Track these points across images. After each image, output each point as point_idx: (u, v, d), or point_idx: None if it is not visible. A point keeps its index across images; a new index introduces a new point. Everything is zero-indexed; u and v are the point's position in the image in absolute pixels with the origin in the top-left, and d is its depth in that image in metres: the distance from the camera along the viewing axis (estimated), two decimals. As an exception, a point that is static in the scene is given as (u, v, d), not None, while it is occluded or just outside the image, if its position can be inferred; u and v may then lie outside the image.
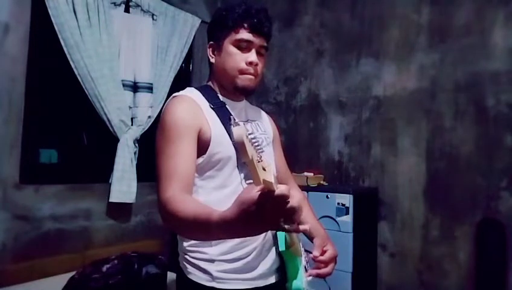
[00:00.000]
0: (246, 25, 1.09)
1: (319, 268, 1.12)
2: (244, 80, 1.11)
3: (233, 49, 1.10)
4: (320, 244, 1.14)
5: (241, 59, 1.10)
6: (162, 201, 0.93)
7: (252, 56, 1.10)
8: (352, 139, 2.78)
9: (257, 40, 1.11)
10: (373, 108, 2.69)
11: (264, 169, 0.65)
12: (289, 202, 0.63)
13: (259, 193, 0.62)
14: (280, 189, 0.61)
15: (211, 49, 1.17)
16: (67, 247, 2.32)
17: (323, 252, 1.13)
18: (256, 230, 0.69)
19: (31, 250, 2.15)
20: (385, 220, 2.58)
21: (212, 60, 1.16)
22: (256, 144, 0.67)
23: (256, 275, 1.07)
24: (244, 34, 1.09)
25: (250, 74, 1.10)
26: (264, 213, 0.63)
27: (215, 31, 1.15)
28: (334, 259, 1.15)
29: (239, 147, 0.66)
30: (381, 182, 2.62)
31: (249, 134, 0.67)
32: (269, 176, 0.63)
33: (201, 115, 1.07)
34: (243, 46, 1.10)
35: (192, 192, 1.03)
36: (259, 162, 0.65)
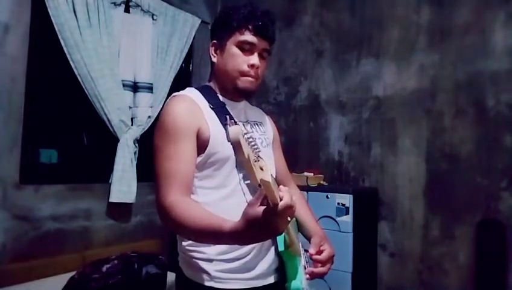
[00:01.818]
0: (250, 27, 1.08)
1: (315, 267, 1.12)
2: (244, 82, 1.10)
3: (235, 50, 1.09)
4: (317, 243, 1.14)
5: (243, 61, 1.09)
6: (164, 205, 0.95)
7: (254, 59, 1.09)
8: (352, 139, 2.78)
9: (260, 43, 1.10)
10: (373, 108, 2.69)
11: (261, 168, 0.65)
12: (293, 207, 0.68)
13: (264, 208, 0.65)
14: (283, 203, 0.64)
15: (213, 48, 1.16)
16: (67, 247, 2.32)
17: (320, 252, 1.12)
18: (267, 237, 0.76)
19: (31, 250, 2.15)
20: (385, 220, 2.58)
21: (214, 59, 1.15)
22: (253, 143, 0.68)
23: (254, 275, 1.07)
24: (248, 36, 1.08)
25: (251, 76, 1.10)
26: (272, 223, 0.69)
27: (219, 31, 1.14)
28: (331, 259, 1.14)
29: (235, 146, 0.66)
30: (381, 182, 2.62)
31: (245, 133, 0.67)
32: (267, 175, 0.63)
33: (200, 115, 1.06)
34: (246, 48, 1.09)
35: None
36: (256, 161, 0.65)
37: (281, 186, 0.73)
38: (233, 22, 1.09)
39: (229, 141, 0.66)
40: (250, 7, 1.10)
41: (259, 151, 0.68)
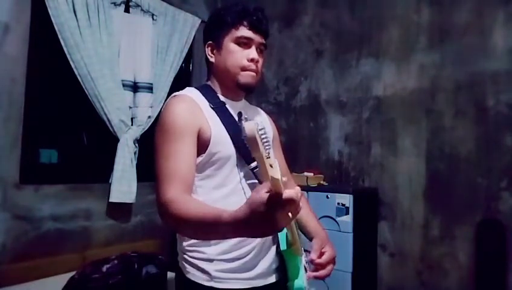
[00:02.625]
0: (245, 23, 1.10)
1: (316, 270, 1.12)
2: (246, 77, 1.11)
3: (234, 47, 1.11)
4: (319, 247, 1.14)
5: (242, 56, 1.10)
6: (163, 202, 0.94)
7: (253, 53, 1.11)
8: (352, 139, 2.78)
9: (257, 37, 1.12)
10: (373, 108, 2.69)
11: (271, 166, 0.65)
12: (297, 203, 0.66)
13: (268, 194, 0.64)
14: (288, 193, 0.63)
15: (209, 48, 1.17)
16: (67, 247, 2.32)
17: (321, 254, 1.13)
18: (266, 230, 0.71)
19: (31, 250, 2.15)
20: (385, 220, 2.58)
21: (212, 60, 1.16)
22: (265, 140, 0.68)
23: (255, 274, 1.07)
24: (244, 31, 1.10)
25: (251, 70, 1.11)
26: (273, 213, 0.66)
27: (214, 30, 1.15)
28: (332, 260, 1.14)
29: (250, 142, 0.66)
30: (381, 182, 2.62)
31: (260, 129, 0.67)
32: (276, 173, 0.64)
33: (200, 115, 1.07)
34: (243, 43, 1.11)
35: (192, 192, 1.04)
36: (267, 158, 0.66)
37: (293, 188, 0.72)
38: (228, 20, 1.11)
39: (244, 137, 0.65)
40: (242, 5, 1.12)
41: (269, 148, 0.68)
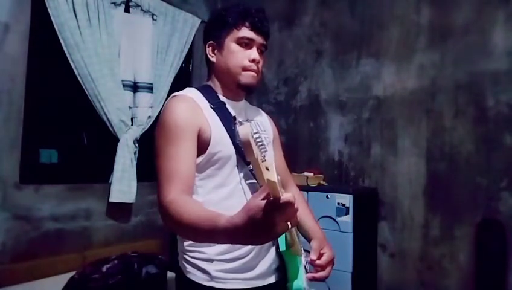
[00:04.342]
0: (247, 23, 1.11)
1: (316, 271, 1.12)
2: (247, 77, 1.12)
3: (235, 47, 1.11)
4: (317, 248, 1.14)
5: (243, 56, 1.11)
6: (164, 203, 0.94)
7: (254, 53, 1.11)
8: (352, 139, 2.78)
9: (258, 38, 1.12)
10: (373, 108, 2.69)
11: (267, 169, 0.65)
12: (295, 207, 0.64)
13: (266, 201, 0.63)
14: (285, 196, 0.62)
15: (210, 48, 1.17)
16: (67, 247, 2.31)
17: (320, 256, 1.13)
18: (263, 237, 0.70)
19: (31, 250, 2.15)
20: (385, 220, 2.58)
21: (213, 59, 1.16)
22: (260, 143, 0.68)
23: (255, 274, 1.07)
24: (246, 32, 1.11)
25: (253, 70, 1.12)
26: (271, 220, 0.65)
27: (215, 30, 1.15)
28: (331, 262, 1.15)
29: (245, 147, 0.66)
30: (381, 182, 2.62)
31: (254, 133, 0.67)
32: (272, 175, 0.63)
33: (201, 115, 1.07)
34: (245, 43, 1.11)
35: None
36: (263, 161, 0.65)
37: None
38: (229, 20, 1.11)
39: (238, 141, 0.65)
40: (243, 5, 1.13)
41: (265, 151, 0.68)
